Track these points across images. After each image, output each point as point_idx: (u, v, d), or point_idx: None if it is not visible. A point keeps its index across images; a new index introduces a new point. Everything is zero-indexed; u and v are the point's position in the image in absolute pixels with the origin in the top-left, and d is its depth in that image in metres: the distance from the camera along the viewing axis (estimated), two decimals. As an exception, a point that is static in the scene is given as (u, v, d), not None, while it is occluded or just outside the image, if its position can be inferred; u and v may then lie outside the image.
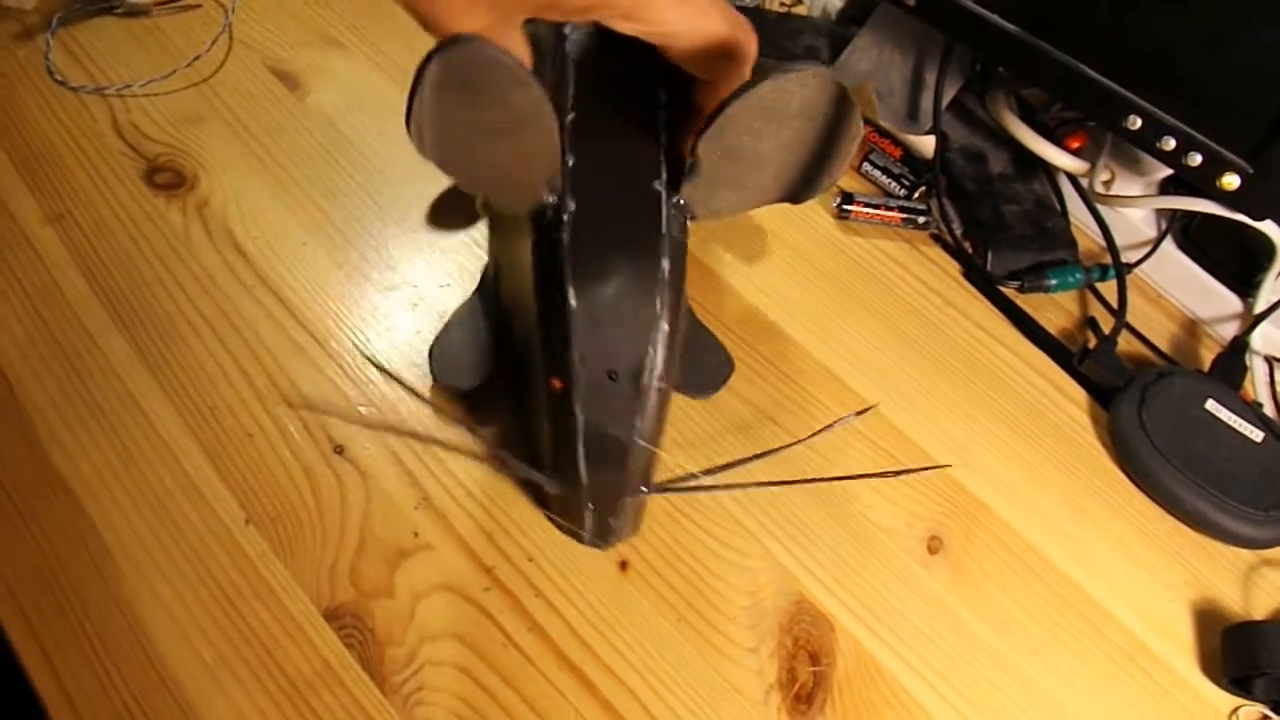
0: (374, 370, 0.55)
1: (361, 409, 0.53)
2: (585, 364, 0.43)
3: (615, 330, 0.43)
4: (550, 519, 0.50)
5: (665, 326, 0.44)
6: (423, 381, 0.55)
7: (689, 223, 0.47)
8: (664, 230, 0.45)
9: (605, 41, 0.49)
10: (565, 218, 0.44)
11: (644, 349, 0.43)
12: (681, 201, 0.46)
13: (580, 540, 0.46)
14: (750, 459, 0.48)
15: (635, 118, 0.49)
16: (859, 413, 0.48)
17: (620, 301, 0.43)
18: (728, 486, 0.50)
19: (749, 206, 0.48)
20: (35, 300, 0.55)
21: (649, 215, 0.45)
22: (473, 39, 0.39)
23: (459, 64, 0.39)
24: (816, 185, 0.46)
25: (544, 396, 0.45)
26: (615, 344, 0.43)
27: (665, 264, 0.44)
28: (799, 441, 0.50)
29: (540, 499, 0.51)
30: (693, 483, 0.46)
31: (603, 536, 0.46)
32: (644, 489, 0.45)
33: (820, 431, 0.48)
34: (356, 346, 0.56)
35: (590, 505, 0.45)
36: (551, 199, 0.45)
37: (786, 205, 0.48)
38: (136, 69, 0.67)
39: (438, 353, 0.53)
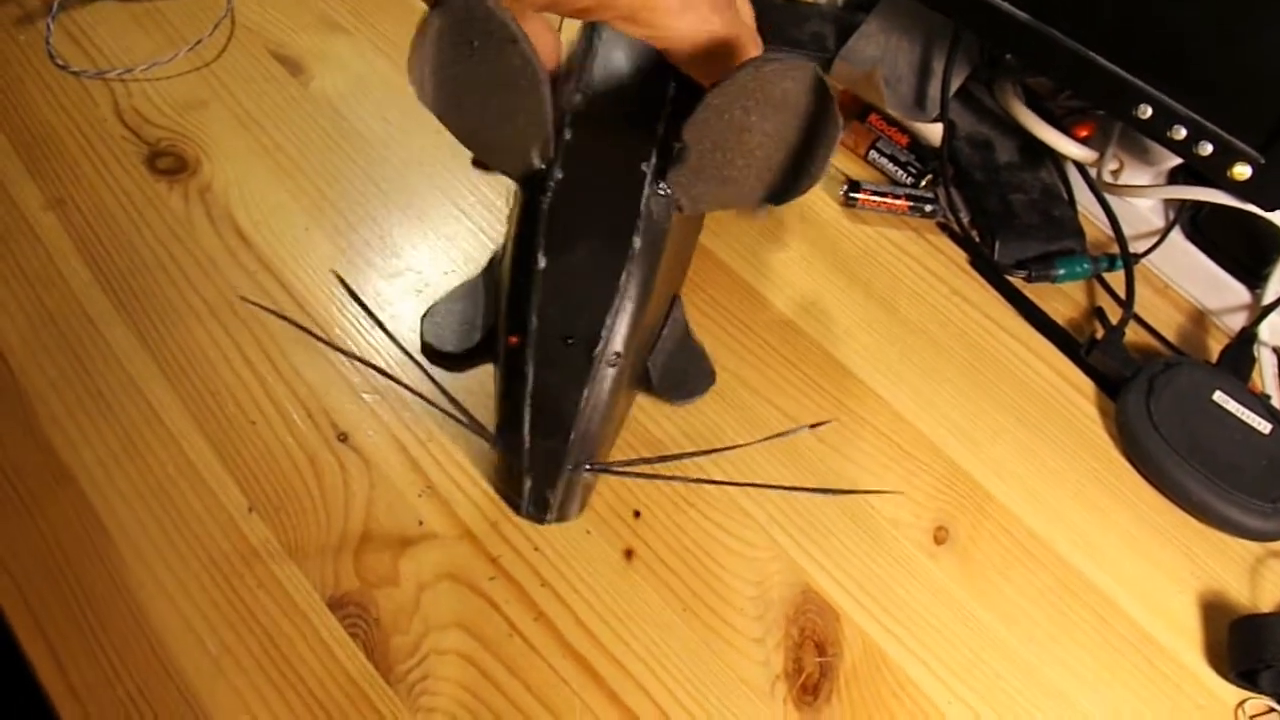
0: (375, 357, 0.54)
1: (365, 396, 0.53)
2: (543, 324, 0.44)
3: (577, 297, 0.45)
4: (496, 489, 0.50)
5: (629, 304, 0.45)
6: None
7: (675, 212, 0.48)
8: (642, 209, 0.46)
9: None
10: (550, 184, 0.46)
11: (601, 319, 0.44)
12: (667, 189, 0.47)
13: (518, 511, 0.46)
14: (697, 454, 0.50)
15: (641, 106, 0.50)
16: (813, 425, 0.49)
17: (587, 270, 0.45)
18: (669, 477, 0.50)
19: (732, 204, 0.48)
20: (37, 286, 0.55)
21: (630, 194, 0.46)
22: None
23: (459, 16, 0.42)
24: (798, 185, 0.47)
25: (502, 354, 0.46)
26: (575, 310, 0.45)
27: (637, 241, 0.45)
28: (750, 444, 0.51)
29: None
30: (634, 468, 0.46)
31: (539, 508, 0.45)
32: (587, 466, 0.45)
33: (770, 438, 0.48)
34: (353, 322, 0.55)
35: (529, 473, 0.45)
36: (541, 166, 0.46)
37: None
38: (138, 53, 0.67)
39: (429, 316, 0.53)
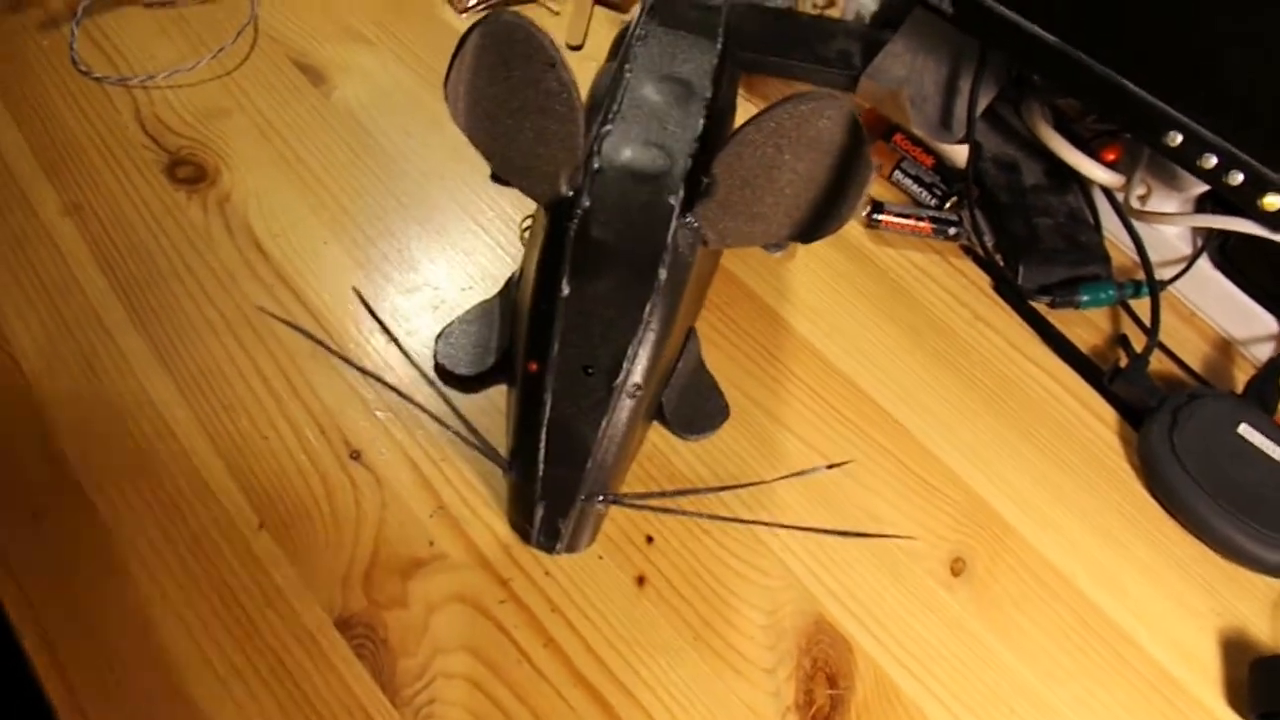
0: (389, 374, 0.54)
1: (379, 414, 0.53)
2: (564, 352, 0.44)
3: (599, 327, 0.44)
4: (507, 517, 0.50)
5: (651, 335, 0.45)
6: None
7: (700, 246, 0.47)
8: (669, 242, 0.45)
9: (666, 52, 0.53)
10: (578, 211, 0.45)
11: (624, 350, 0.44)
12: (695, 223, 0.46)
13: (527, 540, 0.45)
14: (711, 490, 0.50)
15: (670, 138, 0.49)
16: (831, 465, 0.48)
17: (610, 300, 0.45)
18: (683, 512, 0.50)
19: (759, 241, 0.48)
20: (53, 293, 0.55)
21: (657, 225, 0.46)
22: (516, 15, 0.42)
23: (499, 36, 0.42)
24: (826, 225, 0.47)
25: (520, 380, 0.46)
26: (597, 340, 0.44)
27: (663, 273, 0.45)
28: (766, 481, 0.51)
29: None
30: (647, 501, 0.46)
31: (550, 538, 0.45)
32: (600, 498, 0.45)
33: (786, 477, 0.49)
34: (368, 338, 0.55)
35: (542, 501, 0.44)
36: (569, 193, 0.46)
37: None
38: (161, 59, 0.66)
39: (444, 337, 0.54)
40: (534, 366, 0.45)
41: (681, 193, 0.47)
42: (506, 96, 0.44)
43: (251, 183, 0.61)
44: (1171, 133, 0.55)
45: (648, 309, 0.45)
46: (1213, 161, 0.54)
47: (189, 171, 0.61)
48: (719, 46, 0.54)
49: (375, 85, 0.68)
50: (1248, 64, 0.52)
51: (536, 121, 0.44)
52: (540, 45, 0.42)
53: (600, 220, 0.46)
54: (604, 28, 0.74)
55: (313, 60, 0.69)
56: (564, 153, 0.45)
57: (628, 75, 0.51)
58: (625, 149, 0.48)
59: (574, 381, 0.44)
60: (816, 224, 0.47)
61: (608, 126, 0.49)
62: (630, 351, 0.44)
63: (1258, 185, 0.53)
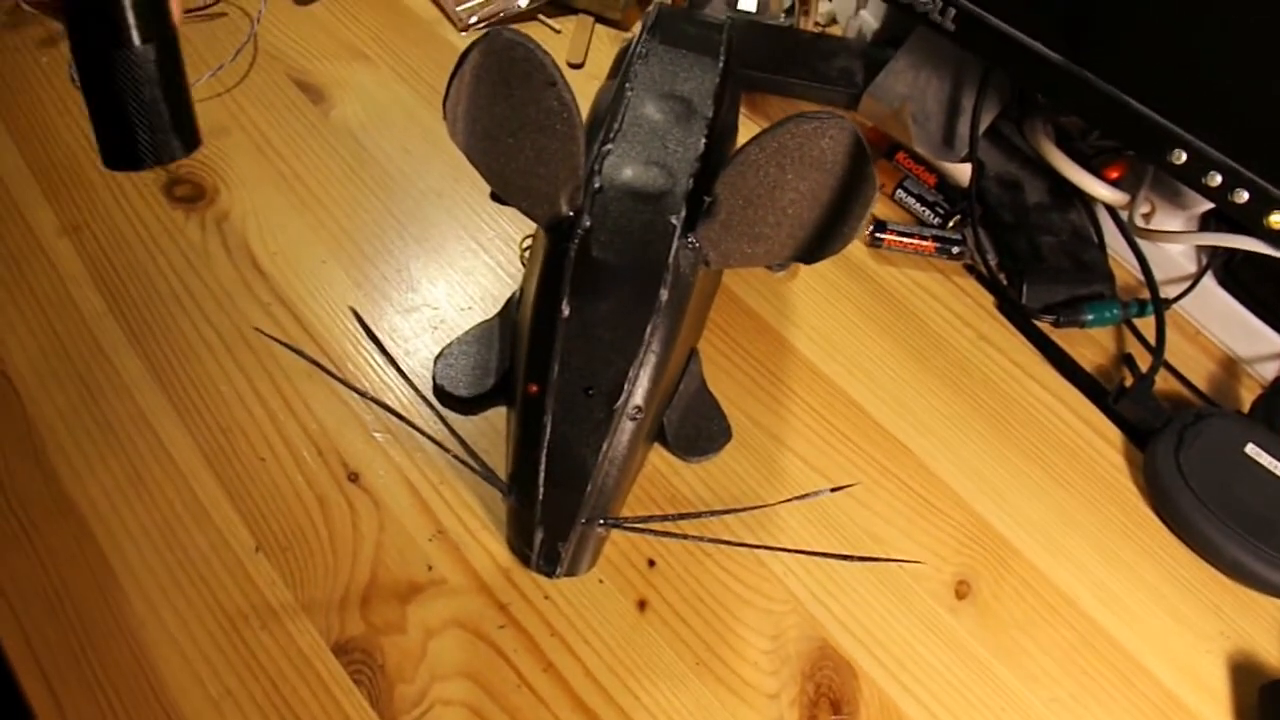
0: (388, 395, 0.54)
1: (377, 435, 0.52)
2: (564, 374, 0.43)
3: (600, 348, 0.44)
4: (506, 540, 0.49)
5: (653, 357, 0.44)
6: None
7: (701, 267, 0.47)
8: (670, 262, 0.45)
9: (667, 71, 0.52)
10: (578, 231, 0.45)
11: (625, 372, 0.44)
12: (696, 243, 0.46)
13: (527, 564, 0.45)
14: (712, 513, 0.49)
15: (671, 158, 0.49)
16: (835, 489, 0.48)
17: (611, 321, 0.44)
18: (684, 536, 0.49)
19: (761, 262, 0.47)
20: (49, 313, 0.54)
21: (658, 246, 0.45)
22: (516, 33, 0.42)
23: (500, 55, 0.42)
24: (829, 246, 0.46)
25: (520, 402, 0.45)
26: (598, 361, 0.44)
27: (664, 294, 0.44)
28: (768, 505, 0.51)
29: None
30: (648, 525, 0.46)
31: (550, 562, 0.45)
32: (600, 522, 0.44)
33: (789, 500, 0.48)
34: (367, 358, 0.54)
35: (542, 524, 0.44)
36: (569, 213, 0.46)
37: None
38: (159, 77, 0.66)
39: (442, 358, 0.53)
40: (534, 388, 0.44)
41: (683, 212, 0.46)
42: (506, 115, 0.44)
43: (250, 201, 0.61)
44: (1176, 150, 0.54)
45: (649, 330, 0.44)
46: (1218, 179, 0.54)
47: (187, 190, 0.61)
48: (721, 65, 0.53)
49: (374, 103, 0.67)
50: (1252, 81, 0.51)
51: (536, 140, 0.44)
52: (540, 64, 0.42)
53: (601, 240, 0.45)
54: (605, 45, 0.74)
55: (312, 78, 0.68)
56: (564, 172, 0.44)
57: (629, 94, 0.51)
58: (626, 168, 0.48)
59: (574, 404, 0.43)
60: (820, 244, 0.46)
61: (608, 145, 0.48)
62: (631, 373, 0.44)
63: (1263, 203, 0.53)
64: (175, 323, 0.55)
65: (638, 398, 0.44)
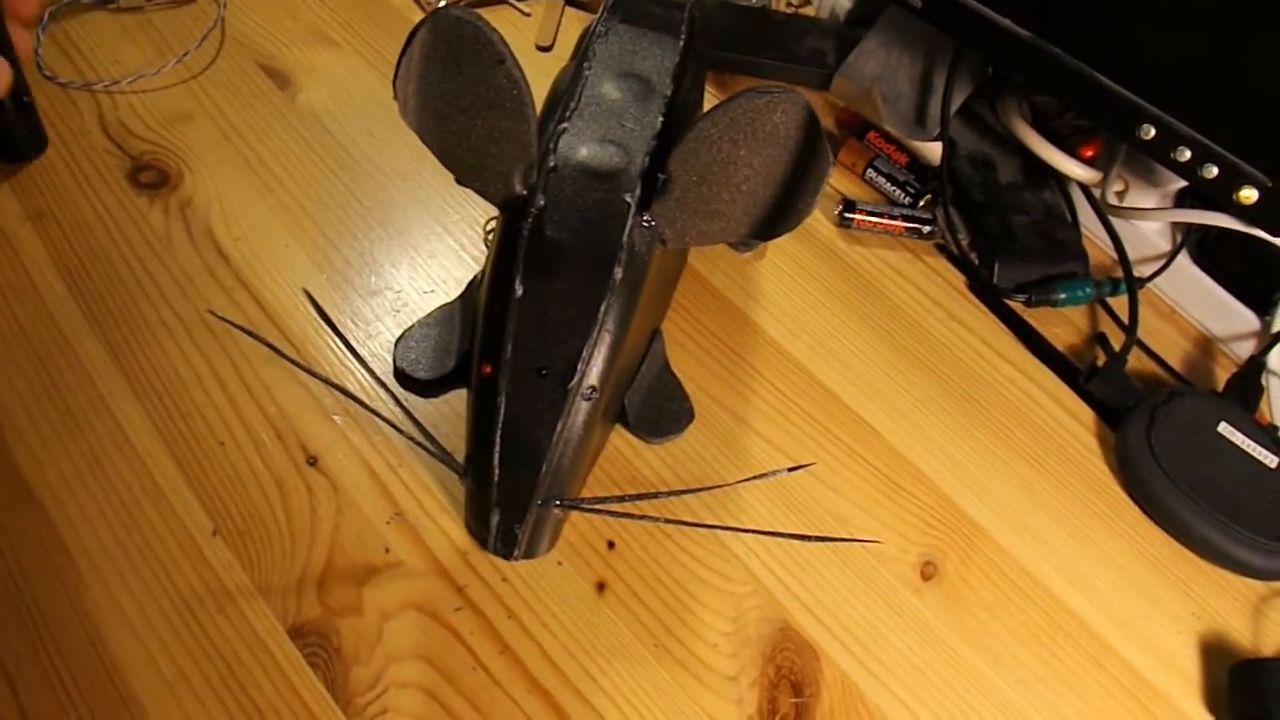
0: (347, 378, 0.53)
1: (336, 418, 0.52)
2: (517, 354, 0.43)
3: (554, 328, 0.43)
4: (464, 523, 0.49)
5: (607, 336, 0.44)
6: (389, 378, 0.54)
7: (658, 246, 0.46)
8: (624, 240, 0.44)
9: (626, 49, 0.52)
10: (532, 210, 0.44)
11: (578, 351, 0.43)
12: (652, 222, 0.45)
13: (484, 546, 0.44)
14: (672, 493, 0.48)
15: (627, 136, 0.48)
16: (793, 468, 0.47)
17: (565, 300, 0.44)
18: (642, 517, 0.48)
19: (718, 239, 0.47)
20: (10, 299, 0.54)
21: (613, 224, 0.45)
22: (466, 11, 0.41)
23: (447, 33, 0.41)
24: (786, 221, 0.46)
25: (475, 383, 0.45)
26: (551, 341, 0.43)
27: (618, 273, 0.44)
28: (727, 485, 0.51)
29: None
30: (605, 505, 0.45)
31: (507, 544, 0.44)
32: (557, 503, 0.44)
33: (748, 480, 0.47)
34: (327, 341, 0.54)
35: (498, 506, 0.44)
36: (523, 192, 0.45)
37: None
38: (127, 64, 0.66)
39: (403, 340, 0.53)
40: (488, 369, 0.44)
41: (638, 191, 0.46)
42: (456, 94, 0.43)
43: (214, 187, 0.60)
44: (1144, 126, 0.54)
45: (603, 309, 0.44)
46: (1186, 155, 0.53)
47: (152, 176, 0.60)
48: (681, 43, 0.53)
49: (340, 88, 0.67)
50: (1218, 55, 0.51)
51: (487, 119, 0.43)
52: (488, 41, 0.41)
53: (554, 219, 0.45)
54: (575, 28, 0.73)
55: (279, 63, 0.68)
56: (516, 150, 0.44)
57: (587, 73, 0.50)
58: (582, 147, 0.47)
59: (527, 384, 0.43)
60: (776, 220, 0.46)
61: (564, 124, 0.48)
62: (585, 353, 0.43)
63: (1232, 177, 0.52)
64: (137, 307, 0.55)
65: (592, 377, 0.43)
